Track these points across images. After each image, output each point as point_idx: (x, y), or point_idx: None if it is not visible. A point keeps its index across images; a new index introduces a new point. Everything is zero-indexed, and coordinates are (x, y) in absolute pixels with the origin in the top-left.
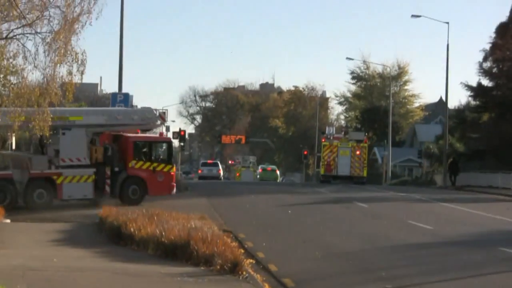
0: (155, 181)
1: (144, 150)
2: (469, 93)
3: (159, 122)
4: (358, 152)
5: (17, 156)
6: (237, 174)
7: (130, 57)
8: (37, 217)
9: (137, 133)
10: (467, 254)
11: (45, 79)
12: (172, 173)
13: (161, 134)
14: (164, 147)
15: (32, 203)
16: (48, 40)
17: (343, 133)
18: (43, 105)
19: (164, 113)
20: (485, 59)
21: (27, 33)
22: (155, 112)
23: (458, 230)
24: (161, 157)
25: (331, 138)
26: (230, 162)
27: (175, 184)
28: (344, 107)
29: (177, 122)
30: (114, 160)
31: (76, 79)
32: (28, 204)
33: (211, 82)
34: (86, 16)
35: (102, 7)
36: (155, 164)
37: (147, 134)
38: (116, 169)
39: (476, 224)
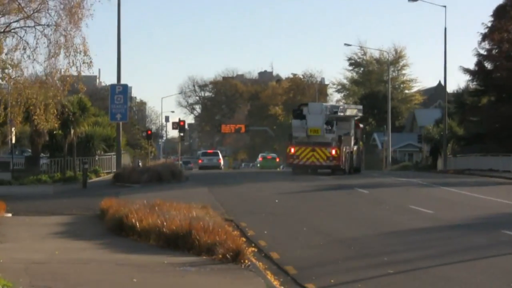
0: (361, 157)
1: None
2: (467, 76)
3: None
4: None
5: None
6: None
7: (128, 48)
8: (38, 210)
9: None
10: (469, 238)
11: (44, 72)
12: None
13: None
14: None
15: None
16: (47, 32)
17: None
18: (47, 100)
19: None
20: (483, 39)
21: (26, 26)
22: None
23: (460, 214)
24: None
25: None
26: None
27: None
28: (343, 94)
29: (177, 113)
30: (360, 141)
31: (84, 71)
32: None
33: (210, 71)
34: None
35: None
36: (361, 145)
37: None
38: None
39: (478, 207)
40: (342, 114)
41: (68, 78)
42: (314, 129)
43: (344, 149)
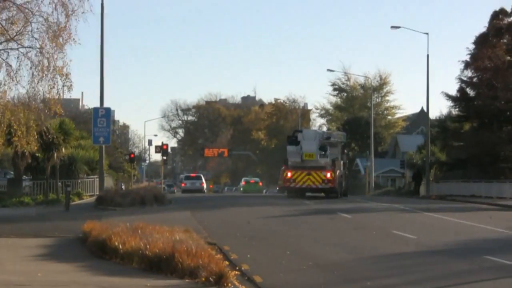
0: (348, 181)
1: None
2: (450, 102)
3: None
4: None
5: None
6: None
7: (111, 72)
8: (21, 232)
9: None
10: (452, 263)
11: (27, 95)
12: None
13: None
14: None
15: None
16: (30, 55)
17: None
18: (28, 122)
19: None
20: (466, 67)
21: (8, 49)
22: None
23: (442, 239)
24: None
25: None
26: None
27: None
28: (326, 119)
29: (160, 136)
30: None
31: (64, 94)
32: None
33: (193, 95)
34: (68, 26)
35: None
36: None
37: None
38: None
39: (460, 233)
40: (334, 139)
41: (52, 101)
42: (308, 154)
43: (337, 173)
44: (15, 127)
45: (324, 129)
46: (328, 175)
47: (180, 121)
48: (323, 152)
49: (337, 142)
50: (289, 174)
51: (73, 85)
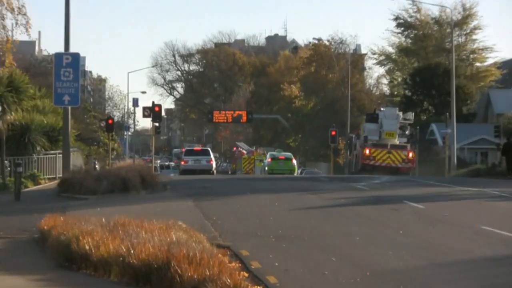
0: None
1: None
2: None
3: None
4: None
5: None
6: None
7: (81, 6)
8: None
9: None
10: None
11: None
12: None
13: None
14: None
15: None
16: None
17: (255, 148)
18: None
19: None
20: None
21: None
22: None
23: None
24: None
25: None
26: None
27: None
28: (387, 68)
29: (149, 94)
30: None
31: (19, 34)
32: None
33: (196, 36)
34: None
35: None
36: None
37: None
38: None
39: None
40: (410, 120)
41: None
42: (389, 132)
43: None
44: None
45: (385, 81)
46: (410, 155)
47: (179, 72)
48: (402, 132)
49: (411, 122)
50: (367, 151)
51: (30, 22)
